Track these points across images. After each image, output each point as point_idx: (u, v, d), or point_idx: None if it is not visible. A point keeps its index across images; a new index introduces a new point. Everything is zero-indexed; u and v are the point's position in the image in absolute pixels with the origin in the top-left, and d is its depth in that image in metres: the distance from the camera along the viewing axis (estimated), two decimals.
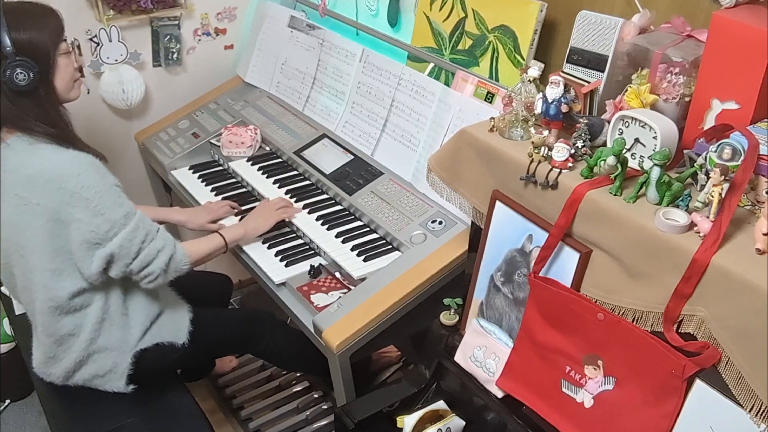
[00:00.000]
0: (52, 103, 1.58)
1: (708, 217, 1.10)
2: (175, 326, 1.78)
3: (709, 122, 1.27)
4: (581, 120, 1.34)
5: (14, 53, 1.48)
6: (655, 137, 1.23)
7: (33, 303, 1.65)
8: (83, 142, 1.61)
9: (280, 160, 2.28)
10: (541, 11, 1.71)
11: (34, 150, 1.52)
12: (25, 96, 1.52)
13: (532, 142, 1.34)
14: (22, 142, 1.53)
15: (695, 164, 1.21)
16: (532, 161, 1.34)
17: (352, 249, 1.84)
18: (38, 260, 1.57)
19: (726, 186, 1.10)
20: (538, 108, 1.38)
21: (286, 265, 1.85)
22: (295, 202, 2.05)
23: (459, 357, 1.51)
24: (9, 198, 1.53)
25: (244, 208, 2.08)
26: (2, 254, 1.64)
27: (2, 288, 2.16)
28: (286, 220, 1.98)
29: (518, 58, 1.78)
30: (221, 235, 1.81)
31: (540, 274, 1.35)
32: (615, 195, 1.23)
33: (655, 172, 1.17)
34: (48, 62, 1.54)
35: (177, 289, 1.85)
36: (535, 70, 1.43)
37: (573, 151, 1.32)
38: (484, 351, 1.45)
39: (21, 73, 1.49)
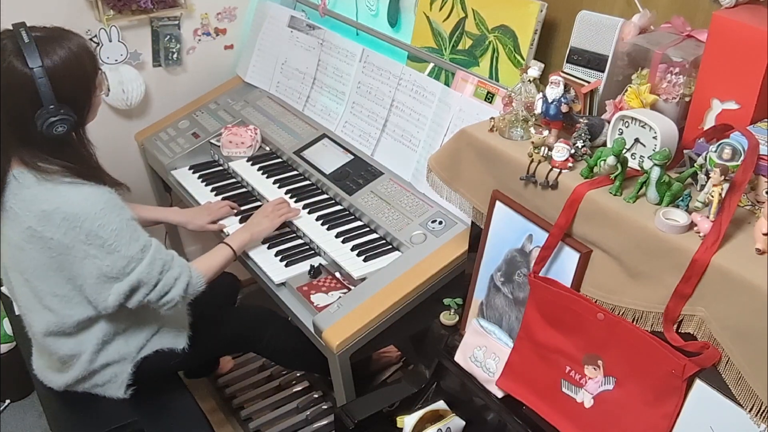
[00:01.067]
0: (81, 140, 1.55)
1: (708, 217, 1.10)
2: (175, 333, 1.77)
3: (709, 122, 1.27)
4: (581, 120, 1.34)
5: (58, 108, 1.41)
6: (655, 137, 1.23)
7: (31, 325, 1.64)
8: (103, 172, 1.57)
9: (280, 160, 2.28)
10: (541, 11, 1.71)
11: (47, 186, 1.47)
12: (56, 141, 1.46)
13: (532, 142, 1.34)
14: (32, 178, 1.47)
15: (695, 164, 1.21)
16: (532, 161, 1.34)
17: (352, 249, 1.84)
18: (46, 286, 1.55)
19: (726, 186, 1.10)
20: (538, 108, 1.38)
21: (286, 265, 1.85)
22: (295, 202, 2.05)
23: (459, 357, 1.51)
24: (21, 228, 1.49)
25: (243, 208, 2.08)
26: (3, 270, 1.63)
27: (2, 288, 2.16)
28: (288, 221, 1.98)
29: (518, 58, 1.78)
30: (228, 245, 1.80)
31: (540, 274, 1.35)
32: (615, 195, 1.23)
33: (655, 172, 1.17)
34: (86, 108, 1.50)
35: None
36: (535, 70, 1.43)
37: (573, 151, 1.32)
38: (484, 351, 1.45)
39: (61, 126, 1.43)
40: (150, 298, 1.57)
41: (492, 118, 1.47)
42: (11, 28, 1.44)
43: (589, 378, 1.27)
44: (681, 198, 1.17)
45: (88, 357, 1.64)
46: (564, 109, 1.35)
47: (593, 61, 1.46)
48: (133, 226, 1.53)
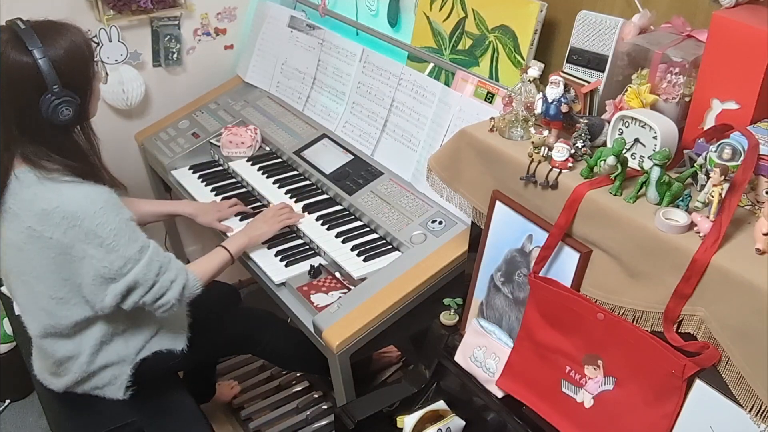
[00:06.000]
0: (86, 135, 1.55)
1: (708, 217, 1.10)
2: (174, 334, 1.77)
3: (709, 122, 1.27)
4: (581, 120, 1.34)
5: (61, 90, 1.42)
6: (655, 137, 1.23)
7: (29, 326, 1.63)
8: (104, 170, 1.56)
9: (280, 160, 2.28)
10: (541, 11, 1.71)
11: (48, 185, 1.46)
12: (61, 130, 1.47)
13: (532, 142, 1.34)
14: (33, 177, 1.47)
15: (695, 164, 1.21)
16: (532, 161, 1.34)
17: (352, 249, 1.84)
18: (44, 288, 1.54)
19: (726, 186, 1.10)
20: (538, 108, 1.38)
21: (286, 265, 1.85)
22: (295, 202, 2.05)
23: (459, 357, 1.51)
24: (21, 228, 1.49)
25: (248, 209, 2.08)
26: (3, 272, 1.62)
27: (2, 288, 2.16)
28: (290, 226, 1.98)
29: (518, 58, 1.78)
30: (225, 248, 1.79)
31: (540, 274, 1.35)
32: (615, 195, 1.23)
33: (655, 172, 1.17)
34: (87, 93, 1.50)
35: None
36: (535, 70, 1.43)
37: (573, 151, 1.32)
38: (484, 351, 1.45)
39: (66, 109, 1.43)
40: (145, 300, 1.56)
41: (492, 118, 1.47)
42: (4, 24, 1.45)
43: (589, 378, 1.27)
44: (681, 198, 1.17)
45: (86, 359, 1.64)
46: (564, 109, 1.35)
47: (593, 61, 1.46)
48: (132, 227, 1.53)
